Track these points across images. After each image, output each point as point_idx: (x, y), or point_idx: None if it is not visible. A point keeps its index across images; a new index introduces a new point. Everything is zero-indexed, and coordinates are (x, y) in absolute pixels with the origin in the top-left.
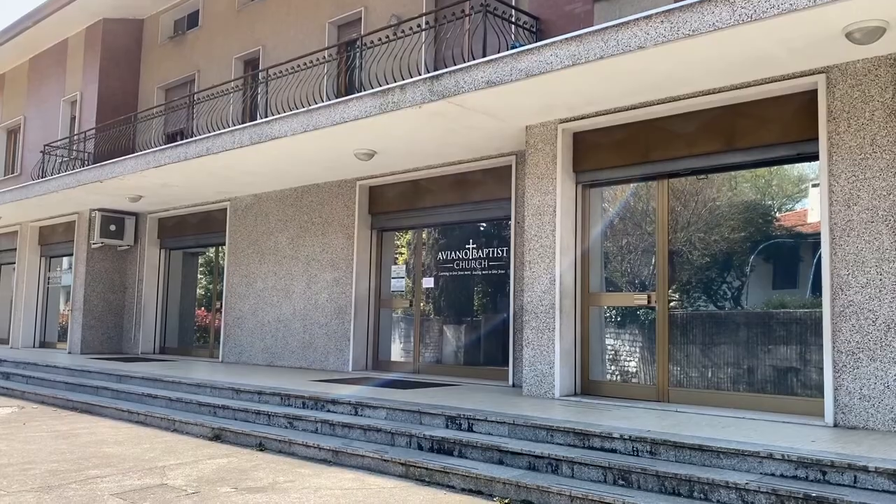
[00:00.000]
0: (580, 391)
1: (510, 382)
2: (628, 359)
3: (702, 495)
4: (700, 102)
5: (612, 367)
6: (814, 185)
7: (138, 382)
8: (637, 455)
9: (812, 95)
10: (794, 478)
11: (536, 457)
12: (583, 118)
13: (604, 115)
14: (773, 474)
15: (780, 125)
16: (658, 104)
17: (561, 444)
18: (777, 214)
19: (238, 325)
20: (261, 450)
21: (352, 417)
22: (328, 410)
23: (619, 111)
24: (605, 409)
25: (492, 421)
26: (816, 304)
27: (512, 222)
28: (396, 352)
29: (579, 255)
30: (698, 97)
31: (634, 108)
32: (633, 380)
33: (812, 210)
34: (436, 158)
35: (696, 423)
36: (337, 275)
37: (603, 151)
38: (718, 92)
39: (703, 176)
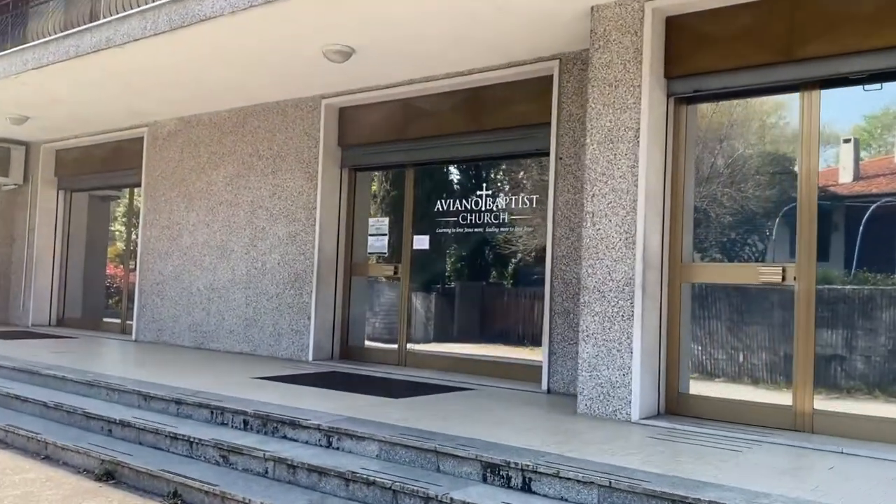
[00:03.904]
0: (664, 409)
1: (544, 387)
2: (738, 363)
3: None
4: None
5: (712, 376)
6: (845, 141)
7: (4, 375)
8: None
9: None
10: None
11: None
12: None
13: None
14: None
15: None
16: None
17: None
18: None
19: (157, 292)
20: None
21: (323, 453)
22: (284, 437)
23: None
24: (739, 450)
25: (568, 478)
26: None
27: (551, 157)
28: (374, 336)
29: (668, 206)
30: None
31: None
32: (749, 395)
33: (844, 169)
34: (439, 65)
35: None
36: (293, 229)
37: (713, 46)
38: None
39: (876, 85)
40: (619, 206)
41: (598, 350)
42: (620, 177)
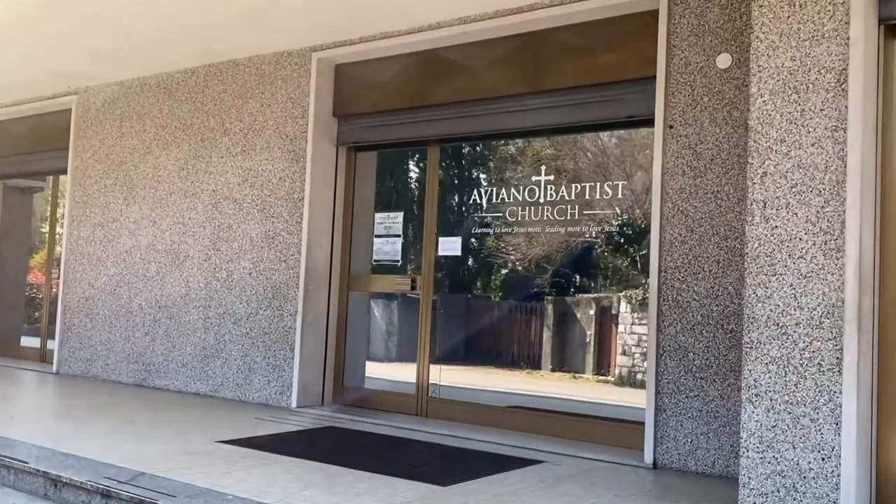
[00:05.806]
0: None
1: (647, 458)
2: None
3: None
4: None
5: None
6: None
7: None
8: None
9: None
10: None
11: None
12: None
13: None
14: None
15: None
16: None
17: None
18: None
19: (87, 310)
20: None
21: None
22: None
23: None
24: None
25: None
26: None
27: (657, 126)
28: (381, 372)
29: (879, 192)
30: None
31: None
32: None
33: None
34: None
35: None
36: (271, 227)
37: None
38: None
39: None
40: (810, 191)
41: (775, 417)
42: (813, 145)
